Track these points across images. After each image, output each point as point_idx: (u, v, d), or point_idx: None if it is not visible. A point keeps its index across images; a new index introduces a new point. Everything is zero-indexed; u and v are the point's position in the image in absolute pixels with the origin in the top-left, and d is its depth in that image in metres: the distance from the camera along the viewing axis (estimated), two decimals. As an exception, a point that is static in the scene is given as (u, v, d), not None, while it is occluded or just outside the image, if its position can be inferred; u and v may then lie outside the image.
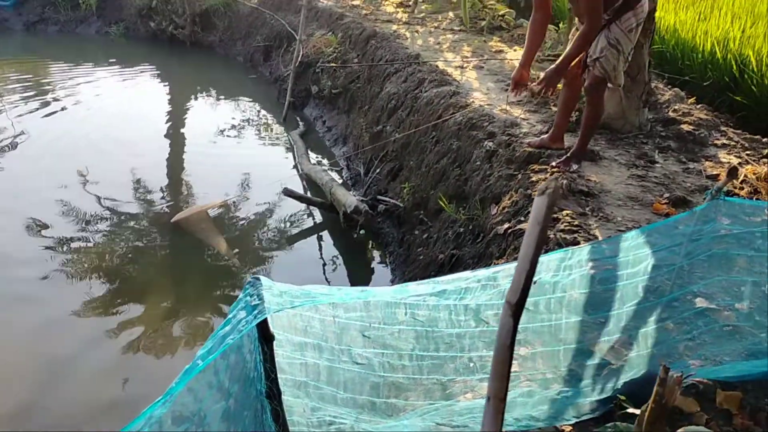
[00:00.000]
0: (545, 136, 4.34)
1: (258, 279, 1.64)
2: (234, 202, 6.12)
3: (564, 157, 4.05)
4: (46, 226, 5.56)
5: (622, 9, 3.67)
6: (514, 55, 7.07)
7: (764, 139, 4.67)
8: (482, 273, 1.92)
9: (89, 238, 5.47)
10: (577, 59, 3.79)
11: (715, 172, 4.05)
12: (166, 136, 8.16)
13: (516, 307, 0.96)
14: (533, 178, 4.02)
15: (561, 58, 3.76)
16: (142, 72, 11.21)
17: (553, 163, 4.06)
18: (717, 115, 5.26)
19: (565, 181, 3.76)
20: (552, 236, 3.25)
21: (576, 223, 3.39)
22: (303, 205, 6.03)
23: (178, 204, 6.17)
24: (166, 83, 10.93)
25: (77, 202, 5.95)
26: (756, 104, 5.48)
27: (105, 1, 13.36)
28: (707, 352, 2.39)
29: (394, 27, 8.58)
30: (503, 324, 0.98)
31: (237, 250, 5.38)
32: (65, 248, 5.29)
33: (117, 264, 5.08)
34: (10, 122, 8.11)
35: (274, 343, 1.71)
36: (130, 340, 4.21)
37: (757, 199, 3.56)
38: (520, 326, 1.02)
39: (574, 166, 3.98)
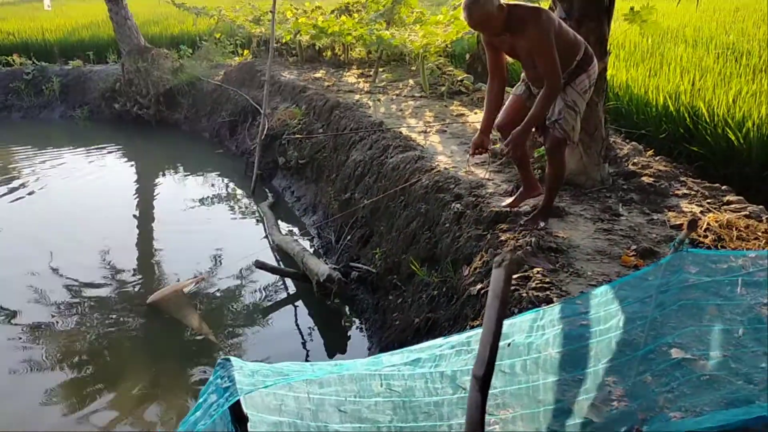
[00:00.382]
0: (520, 191, 4.41)
1: (228, 360, 1.61)
2: (207, 278, 6.03)
3: (531, 215, 4.14)
4: (14, 314, 5.44)
5: (576, 72, 3.84)
6: (475, 118, 7.23)
7: (723, 187, 4.79)
8: (455, 339, 1.91)
9: (60, 324, 5.32)
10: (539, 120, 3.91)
11: (678, 222, 4.13)
12: (134, 215, 8.11)
13: (483, 381, 0.95)
14: (502, 238, 4.05)
15: (525, 120, 3.83)
16: (108, 153, 11.21)
17: (521, 222, 4.11)
18: (675, 165, 5.41)
19: (533, 239, 3.80)
20: (524, 294, 3.26)
21: (547, 280, 3.40)
22: (276, 277, 5.98)
23: (151, 283, 6.06)
24: (133, 162, 10.92)
25: (47, 288, 5.84)
26: (711, 154, 5.65)
27: (68, 86, 13.47)
28: (686, 403, 2.38)
29: (357, 96, 8.75)
30: (472, 399, 0.97)
31: (211, 328, 5.26)
32: (35, 336, 5.15)
33: (89, 349, 4.95)
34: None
35: (248, 424, 1.66)
36: (103, 428, 4.06)
37: (721, 246, 3.63)
38: (498, 390, 1.01)
39: (542, 224, 4.05)
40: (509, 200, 4.43)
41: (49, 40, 15.13)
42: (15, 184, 9.23)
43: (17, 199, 8.53)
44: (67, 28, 16.45)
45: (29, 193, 8.77)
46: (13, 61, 13.93)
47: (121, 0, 12.68)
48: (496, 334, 0.92)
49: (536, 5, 3.96)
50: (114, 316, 5.42)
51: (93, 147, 11.44)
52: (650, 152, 5.68)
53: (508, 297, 0.96)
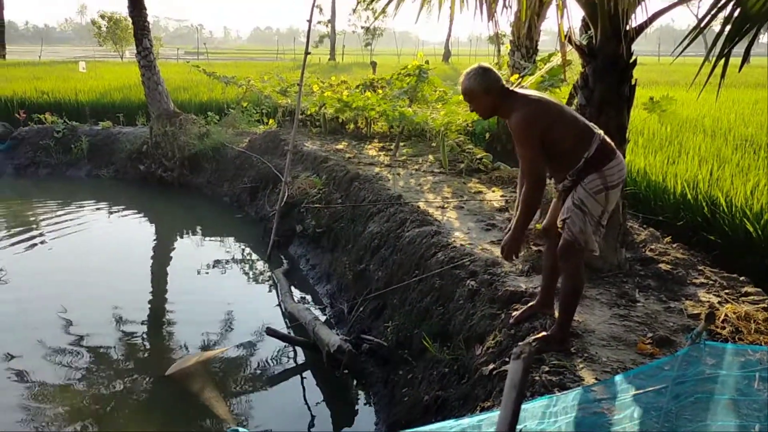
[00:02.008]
0: (530, 304, 4.08)
1: (237, 431, 1.60)
2: (223, 346, 5.93)
3: (542, 335, 3.66)
4: (24, 373, 5.38)
5: (586, 169, 3.46)
6: (493, 196, 7.30)
7: (741, 278, 4.75)
8: (467, 421, 1.89)
9: (70, 384, 5.23)
10: (529, 223, 3.63)
11: (696, 311, 4.09)
12: (150, 276, 8.17)
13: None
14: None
15: (513, 223, 3.63)
16: (130, 212, 11.41)
17: (531, 340, 3.64)
18: (693, 254, 5.39)
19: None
20: (537, 378, 3.21)
21: (561, 364, 3.36)
22: (286, 344, 5.94)
23: (162, 348, 6.05)
24: (154, 223, 11.09)
25: (57, 345, 5.81)
26: (729, 244, 5.63)
27: (96, 146, 13.80)
28: (702, 501, 2.31)
29: (377, 169, 8.89)
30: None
31: (229, 403, 5.10)
32: (44, 397, 5.06)
33: (96, 413, 4.89)
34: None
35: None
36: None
37: (738, 338, 3.58)
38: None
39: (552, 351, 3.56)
40: (516, 314, 4.08)
41: (81, 101, 15.62)
42: (35, 238, 9.38)
43: (34, 253, 8.67)
44: (100, 90, 17.03)
45: (48, 249, 8.90)
46: (45, 119, 14.35)
47: (154, 66, 13.15)
48: (512, 424, 0.92)
49: (535, 96, 3.62)
50: (125, 384, 5.31)
51: (115, 205, 11.66)
52: (668, 239, 5.67)
53: (525, 388, 0.96)
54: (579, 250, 3.53)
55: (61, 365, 5.55)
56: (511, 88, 3.63)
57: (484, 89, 3.54)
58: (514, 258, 3.70)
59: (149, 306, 7.11)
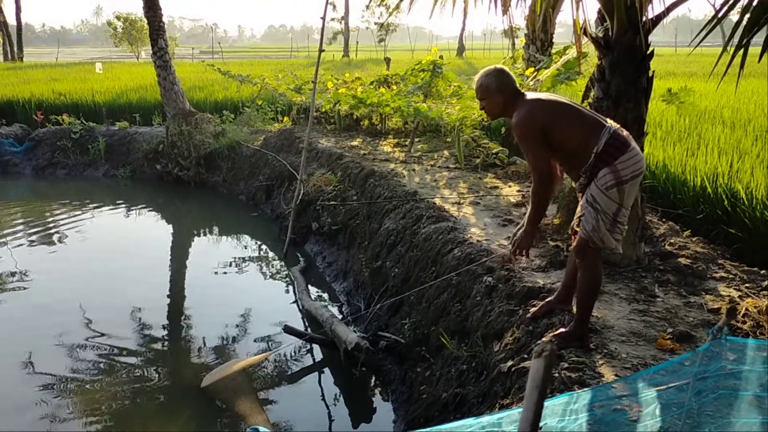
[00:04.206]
0: (548, 299, 4.05)
1: (257, 430, 1.60)
2: (266, 357, 5.68)
3: (561, 331, 3.64)
4: (52, 381, 5.34)
5: (597, 165, 3.38)
6: (509, 191, 7.26)
7: (762, 272, 4.69)
8: (486, 419, 1.87)
9: (96, 398, 5.07)
10: (541, 218, 3.64)
11: (716, 306, 4.04)
12: (167, 274, 8.22)
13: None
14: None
15: (525, 219, 3.62)
16: (147, 211, 11.52)
17: (550, 337, 3.65)
18: (713, 247, 5.32)
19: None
20: (556, 375, 3.18)
21: (581, 360, 3.33)
22: (303, 342, 5.95)
23: (184, 350, 6.09)
24: (171, 222, 11.18)
25: (80, 354, 5.78)
26: (750, 237, 5.55)
27: (113, 146, 13.93)
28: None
29: (392, 165, 8.87)
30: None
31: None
32: (69, 404, 5.03)
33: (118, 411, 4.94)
34: (14, 261, 8.22)
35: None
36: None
37: (760, 333, 3.53)
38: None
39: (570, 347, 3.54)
40: (534, 310, 4.06)
41: (98, 102, 15.75)
42: (54, 238, 9.48)
43: (53, 253, 8.78)
44: (116, 90, 17.17)
45: (67, 249, 8.99)
46: (63, 120, 14.49)
47: (170, 66, 13.22)
48: (534, 424, 0.91)
49: (535, 96, 3.60)
50: (155, 393, 5.28)
51: (133, 205, 11.76)
52: (687, 233, 5.61)
53: (547, 388, 0.94)
54: (594, 249, 3.47)
55: (84, 370, 5.54)
56: (521, 91, 3.63)
57: (497, 88, 3.56)
58: (524, 254, 3.67)
59: (168, 306, 7.15)
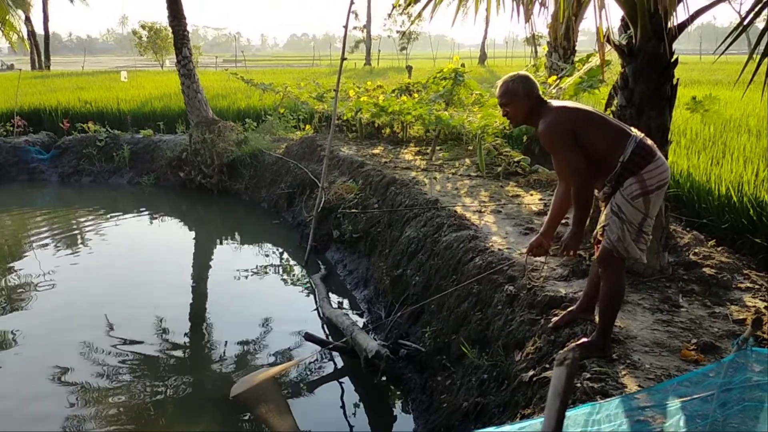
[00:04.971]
0: (570, 309, 4.04)
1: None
2: (296, 364, 5.67)
3: (583, 341, 3.61)
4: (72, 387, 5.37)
5: (623, 174, 3.35)
6: (531, 200, 7.23)
7: (789, 282, 4.61)
8: (507, 429, 1.86)
9: (125, 408, 5.06)
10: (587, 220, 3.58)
11: (741, 317, 3.97)
12: (189, 281, 8.29)
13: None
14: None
15: (572, 222, 3.55)
16: (170, 219, 11.64)
17: (572, 347, 3.53)
18: (738, 257, 5.25)
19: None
20: (579, 385, 3.16)
21: (603, 370, 3.30)
22: (324, 350, 5.96)
23: (210, 358, 6.12)
24: (193, 229, 11.29)
25: (106, 362, 5.78)
26: (776, 247, 5.47)
27: (137, 154, 14.11)
28: None
29: (413, 174, 8.87)
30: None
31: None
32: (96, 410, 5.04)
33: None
34: (40, 267, 8.35)
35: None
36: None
37: (787, 344, 3.47)
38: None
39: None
40: (556, 319, 4.02)
41: (122, 110, 15.97)
42: (79, 245, 9.62)
43: (79, 259, 8.90)
44: (141, 98, 17.39)
45: (93, 256, 9.10)
46: (88, 128, 14.71)
47: (194, 74, 13.36)
48: (556, 434, 0.90)
49: (560, 104, 3.59)
50: (185, 402, 5.27)
51: (156, 212, 11.90)
52: (712, 242, 5.54)
53: (569, 397, 0.93)
54: (618, 258, 3.44)
55: (108, 375, 5.58)
56: (545, 99, 3.60)
57: (524, 93, 3.52)
58: (572, 254, 3.64)
59: (190, 313, 7.20)
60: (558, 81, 8.32)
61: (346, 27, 8.91)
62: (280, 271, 8.67)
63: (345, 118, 12.33)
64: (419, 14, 5.97)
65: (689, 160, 7.44)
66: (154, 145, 14.15)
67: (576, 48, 10.62)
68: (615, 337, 3.65)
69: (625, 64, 4.69)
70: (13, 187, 13.63)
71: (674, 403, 2.26)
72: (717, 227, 6.06)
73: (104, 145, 14.23)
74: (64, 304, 7.19)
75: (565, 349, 3.60)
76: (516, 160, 8.78)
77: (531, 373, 3.73)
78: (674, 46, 4.60)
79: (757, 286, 4.53)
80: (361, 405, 5.26)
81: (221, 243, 10.48)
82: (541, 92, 3.62)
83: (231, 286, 7.93)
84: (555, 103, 3.60)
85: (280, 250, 9.55)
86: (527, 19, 5.06)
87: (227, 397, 5.05)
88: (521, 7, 5.01)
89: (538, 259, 4.36)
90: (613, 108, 4.99)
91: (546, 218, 3.79)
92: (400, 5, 6.78)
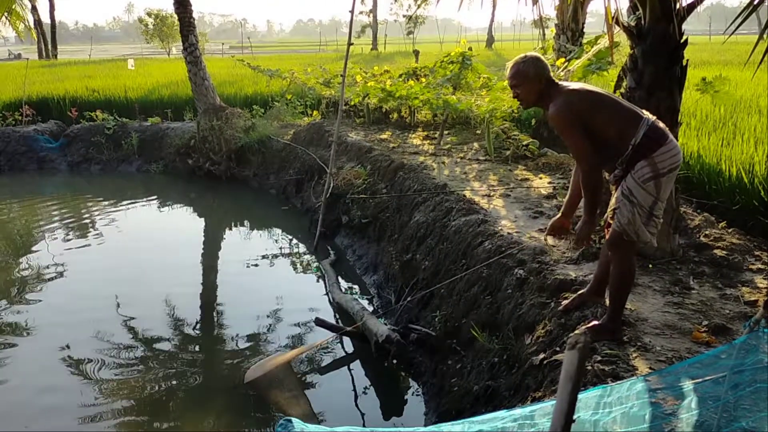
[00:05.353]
0: (580, 292, 4.04)
1: (290, 421, 1.62)
2: (310, 349, 5.70)
3: (593, 324, 3.60)
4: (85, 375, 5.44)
5: (634, 157, 3.33)
6: (540, 183, 7.21)
7: (801, 263, 4.59)
8: (518, 412, 1.87)
9: (141, 395, 5.09)
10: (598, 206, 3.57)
11: (753, 298, 3.97)
12: (200, 267, 8.34)
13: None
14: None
15: (583, 210, 3.54)
16: (179, 206, 11.68)
17: (582, 330, 3.58)
18: (750, 239, 5.22)
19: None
20: (590, 368, 3.16)
21: (614, 353, 3.31)
22: (334, 335, 5.99)
23: (221, 343, 6.16)
24: (203, 216, 11.32)
25: (118, 348, 5.84)
26: (788, 228, 5.44)
27: (146, 141, 14.15)
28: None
29: (421, 158, 8.86)
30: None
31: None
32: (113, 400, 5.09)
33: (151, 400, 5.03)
34: (51, 255, 8.41)
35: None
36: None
37: (799, 326, 3.46)
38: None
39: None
40: (566, 302, 4.02)
41: (130, 98, 15.98)
42: (89, 233, 9.68)
43: (89, 247, 8.95)
44: (148, 86, 17.39)
45: (103, 244, 9.16)
46: (96, 116, 14.74)
47: (200, 61, 13.35)
48: (568, 416, 0.91)
49: (572, 87, 3.54)
50: (197, 386, 5.31)
51: (165, 199, 11.94)
52: (723, 224, 5.51)
53: (581, 380, 0.94)
54: (628, 242, 3.42)
55: (120, 362, 5.64)
56: (556, 81, 3.57)
57: (535, 74, 3.49)
58: (586, 244, 3.67)
59: (200, 299, 7.26)
60: (566, 63, 8.26)
61: (352, 12, 8.86)
62: (290, 256, 8.70)
63: (352, 103, 12.30)
64: (426, -2, 5.93)
65: (699, 141, 7.39)
66: (162, 133, 14.17)
67: (584, 30, 10.51)
68: (626, 319, 3.65)
69: (634, 46, 4.65)
70: (23, 176, 13.71)
71: (686, 385, 2.26)
72: (728, 209, 6.02)
73: (113, 134, 14.26)
74: (75, 292, 7.25)
75: (576, 332, 3.61)
76: (524, 143, 8.74)
77: (541, 356, 3.74)
78: (683, 26, 4.55)
79: (768, 268, 4.51)
80: (372, 389, 5.29)
81: (231, 230, 10.53)
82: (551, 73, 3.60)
83: (241, 272, 7.96)
84: (566, 85, 3.57)
85: (290, 236, 9.57)
86: (535, 1, 5.02)
87: (240, 382, 5.10)
88: (529, -11, 4.97)
89: (556, 241, 4.36)
90: (622, 90, 4.96)
91: (565, 200, 3.80)
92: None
